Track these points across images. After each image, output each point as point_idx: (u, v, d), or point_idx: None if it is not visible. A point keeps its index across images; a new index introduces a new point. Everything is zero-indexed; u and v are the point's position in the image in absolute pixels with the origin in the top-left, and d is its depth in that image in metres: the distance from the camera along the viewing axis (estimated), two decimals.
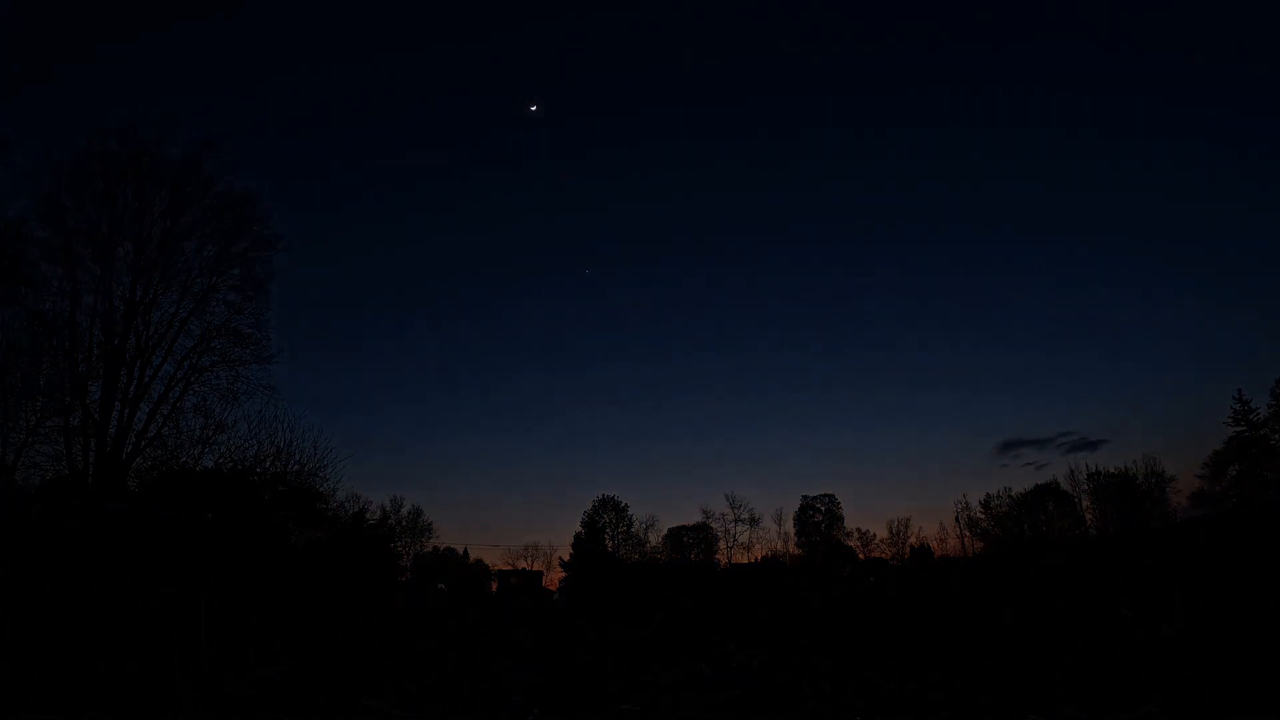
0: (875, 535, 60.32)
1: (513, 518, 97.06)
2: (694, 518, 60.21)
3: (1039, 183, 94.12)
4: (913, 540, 58.42)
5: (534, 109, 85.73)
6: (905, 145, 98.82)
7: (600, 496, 60.98)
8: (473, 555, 67.26)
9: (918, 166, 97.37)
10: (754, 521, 58.80)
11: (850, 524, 60.51)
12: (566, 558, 60.86)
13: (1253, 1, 74.02)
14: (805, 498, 60.66)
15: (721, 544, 59.34)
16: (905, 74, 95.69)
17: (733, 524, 58.84)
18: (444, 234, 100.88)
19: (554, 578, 62.69)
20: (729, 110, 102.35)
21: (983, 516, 53.54)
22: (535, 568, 63.13)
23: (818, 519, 59.93)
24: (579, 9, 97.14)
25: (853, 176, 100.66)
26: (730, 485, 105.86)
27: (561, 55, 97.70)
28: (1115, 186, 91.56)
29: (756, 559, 57.66)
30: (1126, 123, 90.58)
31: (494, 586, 62.97)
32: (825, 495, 60.62)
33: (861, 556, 58.66)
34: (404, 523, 56.67)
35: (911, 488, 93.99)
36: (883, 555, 58.69)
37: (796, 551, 58.36)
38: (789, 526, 59.47)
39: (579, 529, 60.24)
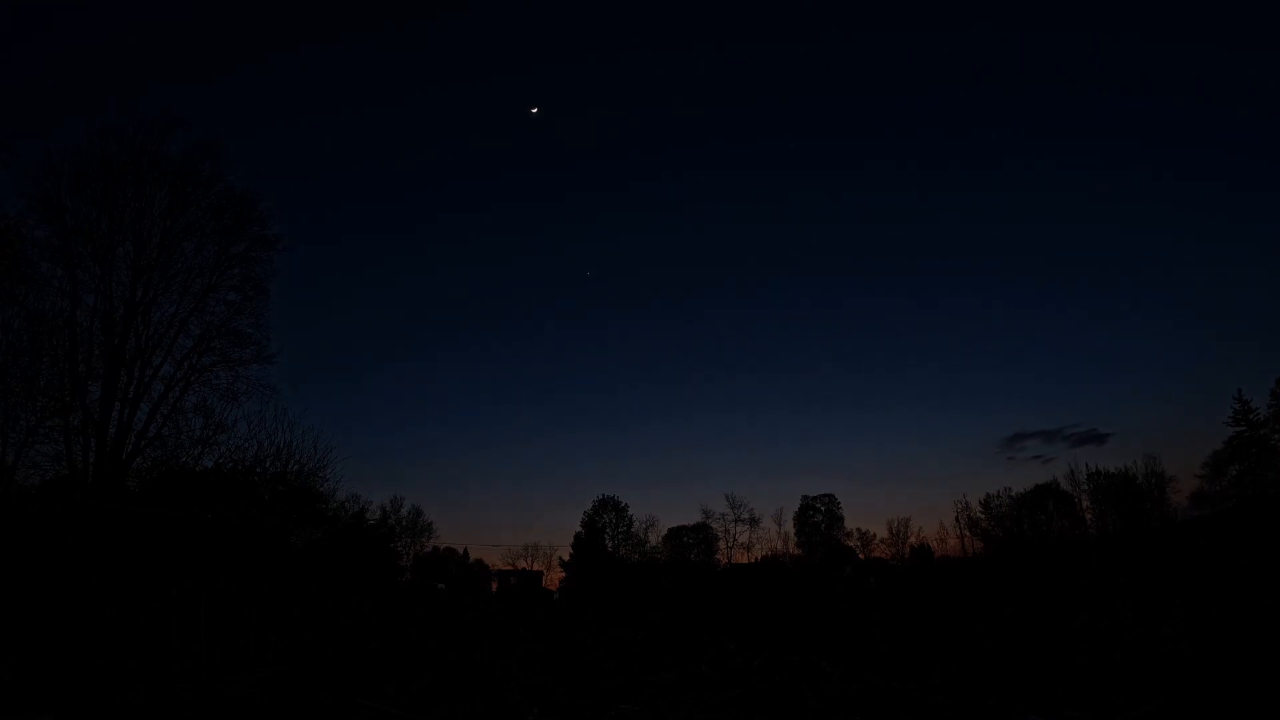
0: (875, 535, 60.41)
1: (513, 518, 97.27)
2: (694, 518, 60.32)
3: (1042, 183, 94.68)
4: (913, 540, 58.48)
5: (534, 111, 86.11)
6: (919, 176, 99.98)
7: (600, 496, 61.13)
8: (473, 555, 67.28)
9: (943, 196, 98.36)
10: (754, 521, 58.87)
11: (850, 524, 60.61)
12: (566, 558, 60.90)
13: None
14: (805, 498, 60.74)
15: (721, 544, 59.38)
16: (932, 109, 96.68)
17: (733, 524, 58.89)
18: (452, 258, 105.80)
19: (554, 578, 62.73)
20: (727, 150, 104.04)
21: (983, 516, 53.59)
22: (535, 568, 63.16)
23: (818, 519, 59.90)
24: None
25: (861, 206, 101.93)
26: (730, 485, 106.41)
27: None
28: (1115, 190, 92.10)
29: (756, 559, 57.68)
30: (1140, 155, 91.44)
31: (494, 586, 62.93)
32: (825, 495, 60.69)
33: (861, 556, 58.63)
34: (404, 523, 56.74)
35: (912, 488, 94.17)
36: (883, 555, 58.70)
37: (796, 551, 58.38)
38: (789, 526, 59.55)
39: (579, 529, 60.31)
